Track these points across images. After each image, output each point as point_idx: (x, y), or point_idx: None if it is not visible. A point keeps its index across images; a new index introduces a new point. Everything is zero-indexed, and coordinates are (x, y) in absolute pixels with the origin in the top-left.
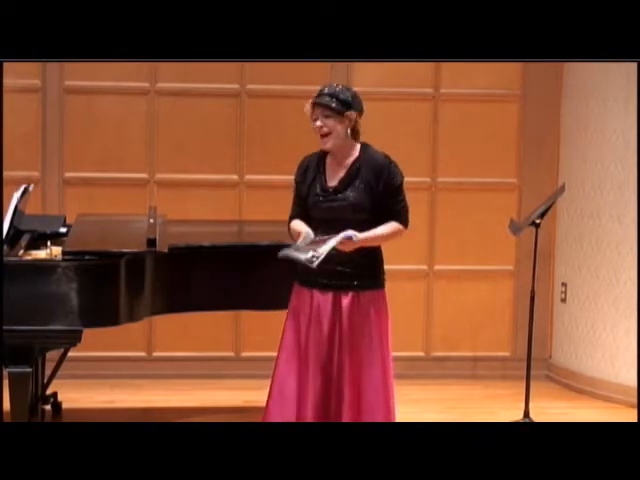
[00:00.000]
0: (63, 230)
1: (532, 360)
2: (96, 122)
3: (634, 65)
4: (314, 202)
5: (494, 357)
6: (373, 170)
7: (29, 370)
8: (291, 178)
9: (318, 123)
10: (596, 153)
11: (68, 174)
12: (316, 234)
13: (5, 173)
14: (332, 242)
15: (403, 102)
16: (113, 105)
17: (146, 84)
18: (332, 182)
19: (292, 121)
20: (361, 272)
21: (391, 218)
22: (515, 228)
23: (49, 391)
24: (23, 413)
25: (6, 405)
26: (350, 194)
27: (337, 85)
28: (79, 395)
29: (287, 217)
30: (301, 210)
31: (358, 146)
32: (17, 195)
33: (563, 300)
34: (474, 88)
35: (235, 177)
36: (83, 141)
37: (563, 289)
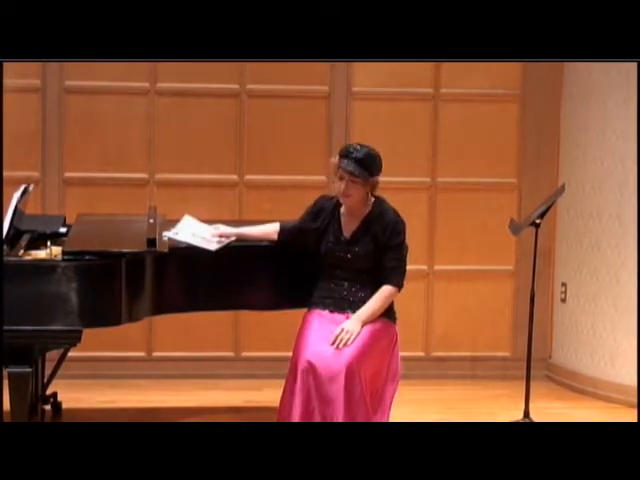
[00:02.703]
0: (63, 230)
1: (532, 360)
2: (96, 122)
3: (634, 65)
4: (327, 249)
5: (494, 357)
6: (382, 224)
7: (29, 370)
8: (291, 178)
9: (343, 186)
10: (596, 153)
11: (68, 174)
12: (327, 275)
13: (5, 173)
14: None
15: (403, 102)
16: (113, 105)
17: (146, 84)
18: (346, 233)
19: (292, 121)
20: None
21: (386, 276)
22: (515, 228)
23: (49, 391)
24: (23, 413)
25: (6, 405)
26: (361, 248)
27: (365, 148)
28: (79, 395)
29: (286, 217)
30: (294, 230)
31: (372, 199)
32: (17, 195)
33: (563, 300)
34: (474, 88)
35: (235, 177)
36: (83, 141)
37: (563, 289)
